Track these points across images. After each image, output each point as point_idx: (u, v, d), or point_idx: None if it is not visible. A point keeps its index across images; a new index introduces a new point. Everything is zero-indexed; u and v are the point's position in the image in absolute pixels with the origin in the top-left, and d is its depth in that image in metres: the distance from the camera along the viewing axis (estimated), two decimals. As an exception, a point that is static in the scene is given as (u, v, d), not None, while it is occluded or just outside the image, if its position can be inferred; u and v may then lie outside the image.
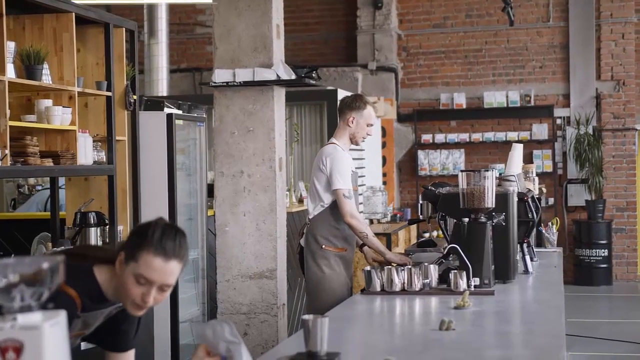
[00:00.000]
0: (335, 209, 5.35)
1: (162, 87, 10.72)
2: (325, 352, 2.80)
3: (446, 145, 13.19)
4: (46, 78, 5.18)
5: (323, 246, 5.34)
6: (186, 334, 6.86)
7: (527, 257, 5.18)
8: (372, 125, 5.50)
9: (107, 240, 5.75)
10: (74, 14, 5.40)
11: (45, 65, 5.17)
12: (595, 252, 12.50)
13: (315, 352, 2.77)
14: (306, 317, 2.77)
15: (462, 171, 4.58)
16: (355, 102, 5.45)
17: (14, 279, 1.78)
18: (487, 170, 4.53)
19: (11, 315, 1.77)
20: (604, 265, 12.53)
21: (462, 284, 4.29)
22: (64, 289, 2.65)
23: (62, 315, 1.82)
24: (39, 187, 9.26)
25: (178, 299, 6.52)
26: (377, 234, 9.51)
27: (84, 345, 4.60)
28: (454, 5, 13.31)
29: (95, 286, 2.73)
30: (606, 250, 12.52)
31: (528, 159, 12.64)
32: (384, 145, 12.60)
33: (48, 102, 5.26)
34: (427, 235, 12.61)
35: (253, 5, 5.89)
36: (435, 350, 3.10)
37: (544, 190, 8.00)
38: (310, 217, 5.43)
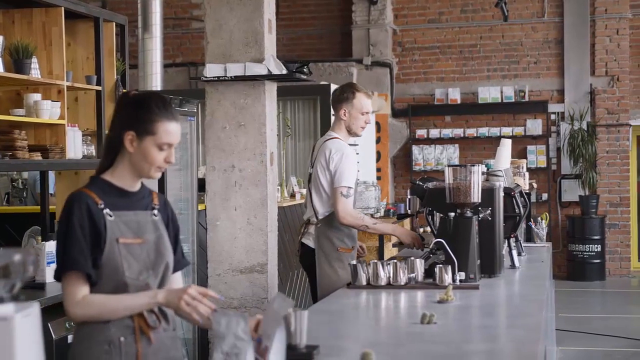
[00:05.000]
0: None
1: (156, 82, 10.68)
2: (304, 345, 2.83)
3: (440, 141, 13.21)
4: (35, 72, 5.19)
5: (339, 249, 5.25)
6: (176, 328, 6.85)
7: (514, 252, 5.20)
8: (367, 113, 5.35)
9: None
10: (63, 8, 5.41)
11: (34, 59, 5.18)
12: (589, 247, 12.54)
13: (294, 345, 2.80)
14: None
15: (448, 166, 4.59)
16: (344, 93, 5.35)
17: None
18: (474, 165, 4.54)
19: (-17, 307, 1.79)
20: (597, 261, 12.57)
21: (447, 278, 4.31)
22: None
23: (34, 307, 1.84)
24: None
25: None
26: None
27: (70, 339, 4.63)
28: (449, 0, 13.33)
29: (106, 183, 2.95)
30: (599, 245, 12.56)
31: (522, 154, 12.67)
32: (378, 140, 12.62)
33: (37, 96, 5.27)
34: (421, 230, 12.63)
35: (245, -1, 5.90)
36: (415, 343, 3.12)
37: (535, 185, 8.03)
38: (320, 217, 5.29)
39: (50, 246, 4.94)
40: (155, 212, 3.04)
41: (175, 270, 3.08)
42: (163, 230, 3.03)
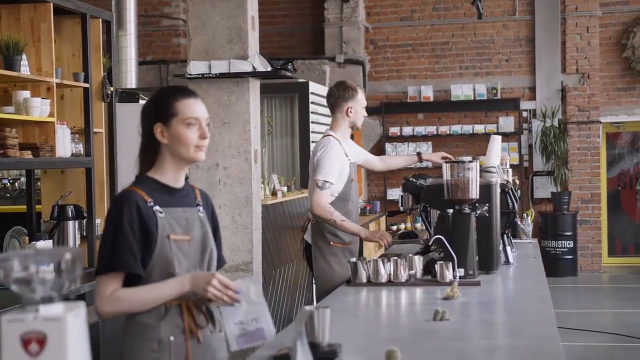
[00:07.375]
0: (338, 203, 5.27)
1: (131, 80, 10.60)
2: (327, 343, 2.80)
3: (414, 138, 13.23)
4: (24, 69, 5.10)
5: (331, 243, 5.32)
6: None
7: (508, 248, 5.22)
8: (364, 106, 5.59)
9: (85, 234, 5.68)
10: (52, 4, 5.32)
11: (24, 56, 5.09)
12: (561, 243, 12.64)
13: (317, 343, 2.77)
14: (308, 307, 2.76)
15: (446, 162, 4.59)
16: (348, 92, 5.46)
17: (34, 270, 1.76)
18: (471, 161, 4.54)
19: (33, 307, 1.75)
20: (569, 257, 12.68)
21: (449, 274, 4.30)
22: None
23: (81, 306, 1.80)
24: (5, 181, 9.14)
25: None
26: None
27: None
28: (421, -2, 13.37)
29: (152, 180, 2.94)
30: (571, 241, 12.66)
31: (496, 151, 12.71)
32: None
33: (26, 94, 5.18)
34: (394, 228, 12.65)
35: (227, -4, 5.88)
36: (432, 340, 3.11)
37: (517, 181, 8.06)
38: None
39: (41, 246, 4.85)
40: (201, 208, 3.02)
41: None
42: (208, 228, 3.02)
